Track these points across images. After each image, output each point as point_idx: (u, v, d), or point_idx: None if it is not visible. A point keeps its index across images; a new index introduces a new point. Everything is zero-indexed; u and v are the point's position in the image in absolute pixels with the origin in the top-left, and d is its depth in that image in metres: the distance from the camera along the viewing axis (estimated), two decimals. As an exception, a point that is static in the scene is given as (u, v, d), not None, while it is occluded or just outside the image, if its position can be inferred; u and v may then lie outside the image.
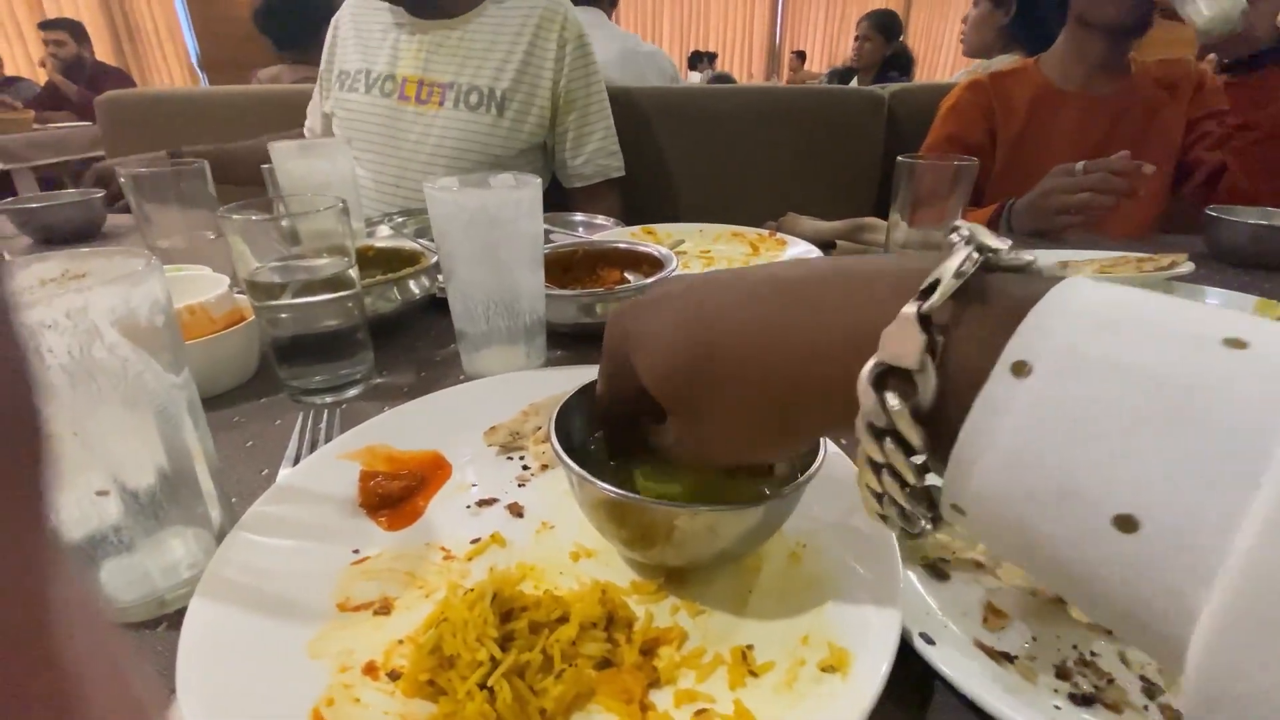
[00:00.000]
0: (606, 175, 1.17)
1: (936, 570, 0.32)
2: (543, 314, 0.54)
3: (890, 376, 0.19)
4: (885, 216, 0.84)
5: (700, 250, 0.90)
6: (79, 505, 0.27)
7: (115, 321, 0.26)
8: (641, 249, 0.69)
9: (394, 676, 0.26)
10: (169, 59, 5.26)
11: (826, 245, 0.90)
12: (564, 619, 0.27)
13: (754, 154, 1.40)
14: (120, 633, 0.10)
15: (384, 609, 0.30)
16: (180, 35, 5.16)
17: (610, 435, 0.33)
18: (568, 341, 0.62)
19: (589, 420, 0.36)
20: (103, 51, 4.07)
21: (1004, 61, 1.64)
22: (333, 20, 1.16)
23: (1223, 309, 0.16)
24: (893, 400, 0.18)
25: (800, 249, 0.86)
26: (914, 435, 0.19)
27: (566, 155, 1.14)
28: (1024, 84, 1.16)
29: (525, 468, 0.41)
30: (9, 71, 3.93)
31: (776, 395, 0.23)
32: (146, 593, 0.30)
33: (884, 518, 0.21)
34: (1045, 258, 0.84)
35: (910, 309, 0.18)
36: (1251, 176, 1.00)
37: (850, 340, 0.21)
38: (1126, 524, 0.14)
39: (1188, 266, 0.69)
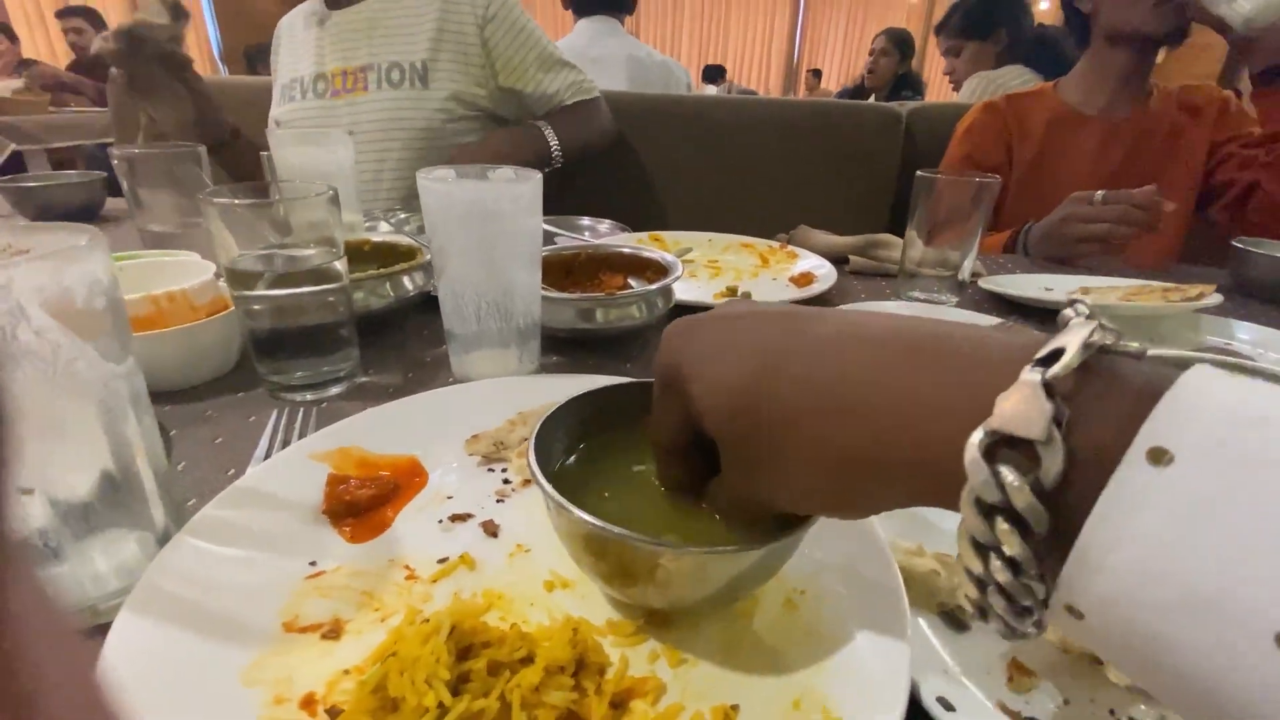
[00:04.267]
0: (581, 94, 1.14)
1: (953, 619, 0.28)
2: (538, 316, 0.51)
3: (1003, 448, 0.17)
4: (900, 234, 0.81)
5: (708, 260, 0.88)
6: None
7: (44, 302, 0.23)
8: (646, 254, 0.66)
9: (333, 714, 0.23)
10: (191, 50, 5.29)
11: (839, 260, 0.87)
12: (529, 659, 0.24)
13: (768, 166, 1.38)
14: (80, 635, 0.10)
15: (333, 632, 0.27)
16: (204, 27, 5.21)
17: (661, 464, 0.30)
18: (564, 347, 0.59)
19: (577, 436, 0.33)
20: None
21: (1010, 73, 1.61)
22: (275, 32, 1.16)
23: None
24: (1009, 474, 0.16)
25: (811, 263, 0.83)
26: (1035, 514, 0.16)
27: (531, 89, 1.10)
28: (1041, 106, 1.13)
29: (506, 481, 0.38)
30: (27, 54, 3.96)
31: (854, 449, 0.20)
32: (77, 601, 0.27)
33: (984, 609, 0.19)
34: (1065, 284, 0.81)
35: (1034, 374, 0.17)
36: None
37: (956, 403, 0.18)
38: None
39: (1216, 299, 0.66)
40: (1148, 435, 0.15)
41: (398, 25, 1.05)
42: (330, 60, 1.05)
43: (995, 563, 0.17)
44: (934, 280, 0.76)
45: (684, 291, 0.71)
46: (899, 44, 3.01)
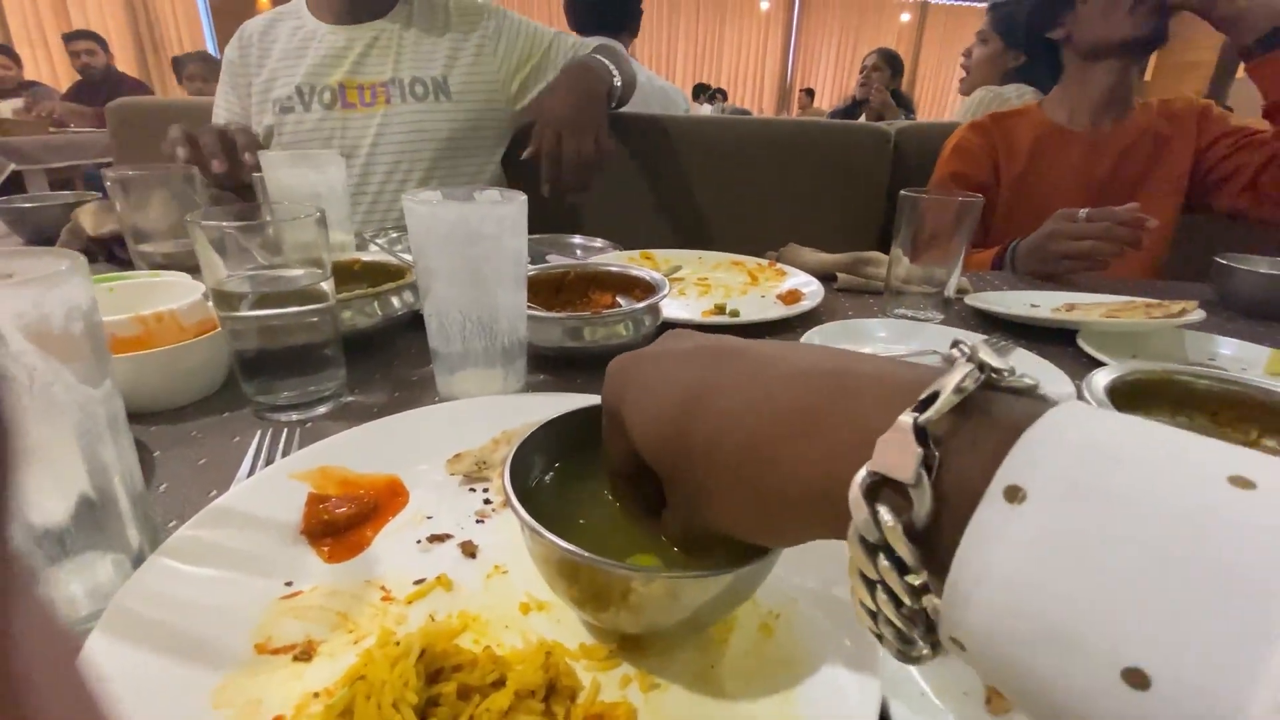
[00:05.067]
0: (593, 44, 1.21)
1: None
2: (524, 335, 0.52)
3: (884, 488, 0.18)
4: (888, 252, 0.82)
5: (698, 278, 0.88)
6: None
7: (23, 327, 0.23)
8: (635, 273, 0.66)
9: (300, 739, 0.23)
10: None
11: (827, 278, 0.88)
12: (500, 683, 0.24)
13: (760, 185, 1.40)
14: (80, 654, 0.10)
15: (305, 654, 0.27)
16: (205, 49, 5.28)
17: (619, 491, 0.31)
18: (551, 366, 0.59)
19: (554, 458, 0.33)
20: (126, 64, 4.16)
21: (1013, 90, 1.64)
22: (239, 38, 1.11)
23: (1220, 443, 0.15)
24: (885, 515, 0.17)
25: (799, 280, 0.84)
26: (907, 553, 0.17)
27: (554, 56, 1.16)
28: (1027, 124, 1.15)
29: (487, 501, 0.38)
30: (30, 76, 4.01)
31: (764, 484, 0.21)
32: (48, 625, 0.27)
33: (880, 636, 0.19)
34: (1051, 300, 0.82)
35: (906, 419, 0.17)
36: None
37: (848, 444, 0.19)
38: (1137, 679, 0.13)
39: (1198, 314, 0.67)
40: (1005, 474, 0.15)
41: (415, 44, 1.09)
42: (335, 73, 1.06)
43: (881, 596, 0.18)
44: (920, 297, 0.77)
45: (673, 309, 0.72)
46: (890, 62, 3.07)
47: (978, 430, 0.17)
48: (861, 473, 0.18)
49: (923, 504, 0.17)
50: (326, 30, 1.07)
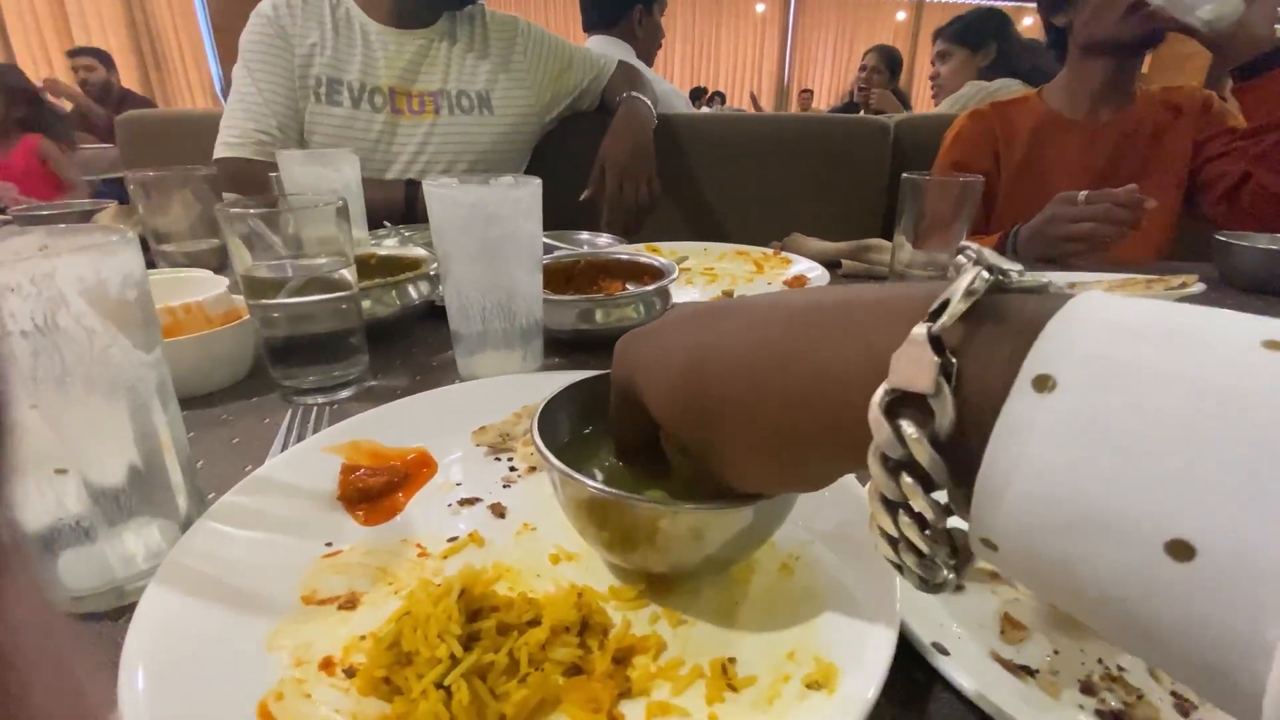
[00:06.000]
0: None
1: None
2: (540, 317, 0.53)
3: (903, 404, 0.17)
4: (890, 240, 0.84)
5: (704, 267, 0.90)
6: (38, 487, 0.26)
7: (83, 291, 0.25)
8: (644, 260, 0.68)
9: (350, 673, 0.24)
10: (194, 87, 5.45)
11: (831, 265, 0.89)
12: (535, 622, 0.25)
13: (762, 180, 1.41)
14: (70, 626, 0.10)
15: (350, 604, 0.28)
16: (206, 64, 5.35)
17: (627, 462, 0.32)
18: (566, 349, 0.61)
19: (577, 418, 0.34)
20: (129, 79, 4.22)
21: (1003, 84, 1.65)
22: (267, 9, 1.04)
23: (1247, 315, 0.15)
24: (909, 428, 0.17)
25: (804, 267, 0.86)
26: (931, 464, 0.17)
27: (581, 77, 1.26)
28: (1027, 113, 1.17)
29: (512, 469, 0.40)
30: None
31: (781, 427, 0.21)
32: (104, 582, 0.29)
33: (899, 565, 0.20)
34: (1055, 281, 0.83)
35: (920, 330, 0.17)
36: (1278, 176, 0.98)
37: (859, 367, 0.19)
38: (1181, 550, 0.13)
39: (1199, 287, 0.68)
40: (1031, 365, 0.15)
41: (461, 58, 1.13)
42: (386, 76, 1.07)
43: (904, 518, 0.18)
44: (924, 281, 0.78)
45: (681, 297, 0.73)
46: (889, 62, 3.08)
47: (994, 331, 0.17)
48: (880, 391, 0.17)
49: (945, 413, 0.17)
50: (377, 29, 1.08)
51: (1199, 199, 1.11)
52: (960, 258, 0.19)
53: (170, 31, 5.23)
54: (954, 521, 0.18)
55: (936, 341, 0.17)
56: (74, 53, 3.62)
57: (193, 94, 5.44)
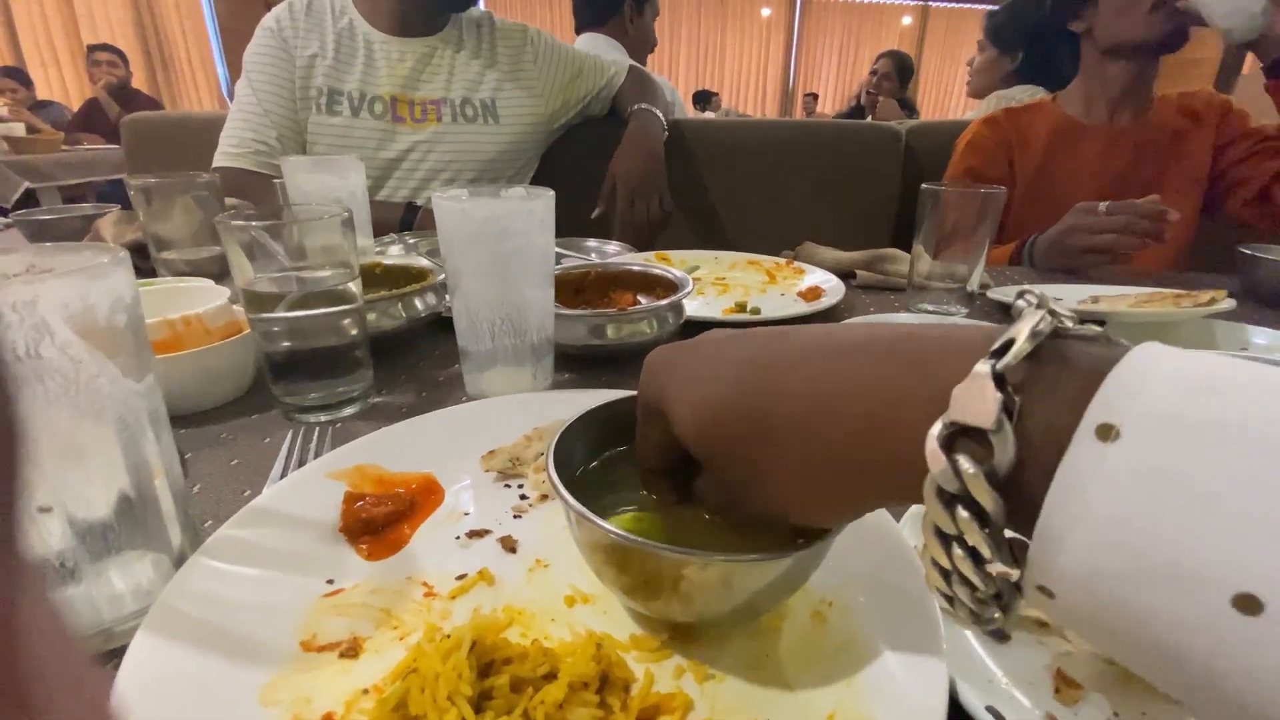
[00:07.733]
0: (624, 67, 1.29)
1: (995, 630, 0.28)
2: (551, 333, 0.51)
3: (961, 439, 0.17)
4: (902, 249, 0.82)
5: (715, 277, 0.88)
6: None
7: (69, 318, 0.23)
8: (656, 272, 0.66)
9: (354, 735, 0.22)
10: (200, 89, 5.46)
11: (846, 275, 0.87)
12: (551, 676, 0.23)
13: (772, 187, 1.40)
14: (93, 661, 0.10)
15: (352, 651, 0.26)
16: (213, 66, 5.36)
17: (651, 489, 0.31)
18: (576, 364, 0.59)
19: (595, 448, 0.32)
20: (137, 80, 4.22)
21: (1023, 92, 1.64)
22: (270, 22, 1.04)
23: None
24: (966, 463, 0.17)
25: (819, 278, 0.84)
26: (990, 501, 0.17)
27: (591, 84, 1.25)
28: (1042, 119, 1.15)
29: (523, 497, 0.38)
30: (42, 95, 4.07)
31: (839, 453, 0.21)
32: (91, 625, 0.27)
33: (950, 599, 0.19)
34: (1074, 294, 0.81)
35: (984, 366, 0.17)
36: None
37: (920, 402, 0.19)
38: (1249, 604, 0.13)
39: (1229, 303, 0.65)
40: (1095, 413, 0.15)
41: (465, 66, 1.11)
42: (388, 84, 1.06)
43: (957, 552, 0.18)
44: (943, 293, 0.76)
45: (693, 308, 0.72)
46: (900, 69, 3.05)
47: (1058, 374, 0.17)
48: (939, 424, 0.18)
49: (1005, 450, 0.17)
50: (380, 39, 1.07)
51: (1226, 203, 1.09)
52: (1020, 301, 0.20)
53: (178, 34, 5.24)
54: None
55: (1000, 378, 0.17)
56: (95, 48, 3.62)
57: (199, 96, 5.45)
